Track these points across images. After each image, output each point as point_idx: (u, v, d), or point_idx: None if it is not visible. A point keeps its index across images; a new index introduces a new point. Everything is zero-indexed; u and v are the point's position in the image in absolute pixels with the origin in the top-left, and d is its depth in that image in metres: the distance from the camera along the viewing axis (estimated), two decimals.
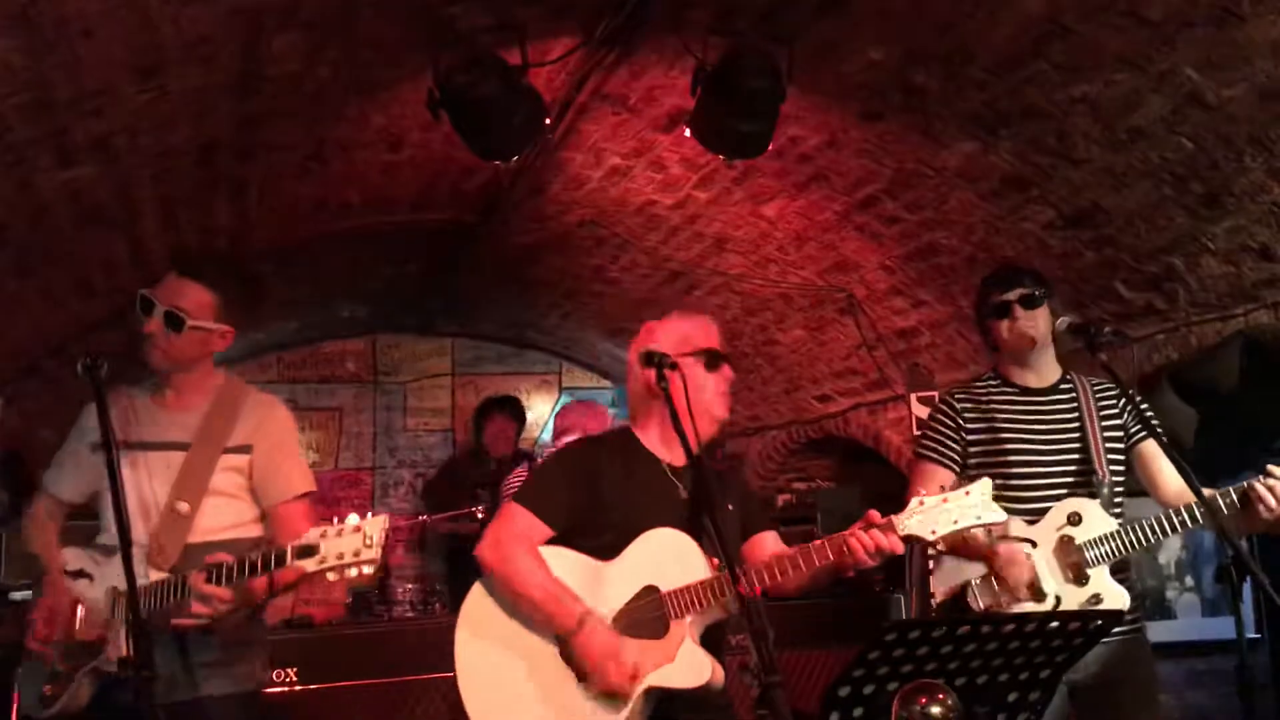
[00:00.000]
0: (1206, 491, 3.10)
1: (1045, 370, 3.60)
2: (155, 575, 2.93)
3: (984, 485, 2.72)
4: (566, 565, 2.91)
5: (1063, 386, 3.59)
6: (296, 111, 4.30)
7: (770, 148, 4.30)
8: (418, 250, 6.86)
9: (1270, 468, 3.21)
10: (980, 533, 3.40)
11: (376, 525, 2.63)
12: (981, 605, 3.40)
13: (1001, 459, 3.52)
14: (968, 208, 4.74)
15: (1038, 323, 3.50)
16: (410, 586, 5.90)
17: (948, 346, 5.75)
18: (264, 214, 5.42)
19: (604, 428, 5.14)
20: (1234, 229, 4.01)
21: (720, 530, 2.61)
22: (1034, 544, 3.40)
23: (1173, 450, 3.14)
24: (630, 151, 5.28)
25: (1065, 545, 3.38)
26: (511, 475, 5.49)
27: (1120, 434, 3.53)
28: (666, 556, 2.88)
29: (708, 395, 3.05)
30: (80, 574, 3.03)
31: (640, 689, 2.76)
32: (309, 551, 2.65)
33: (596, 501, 2.96)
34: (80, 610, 2.99)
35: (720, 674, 2.83)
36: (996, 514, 2.71)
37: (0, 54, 3.00)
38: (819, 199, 5.26)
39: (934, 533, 2.69)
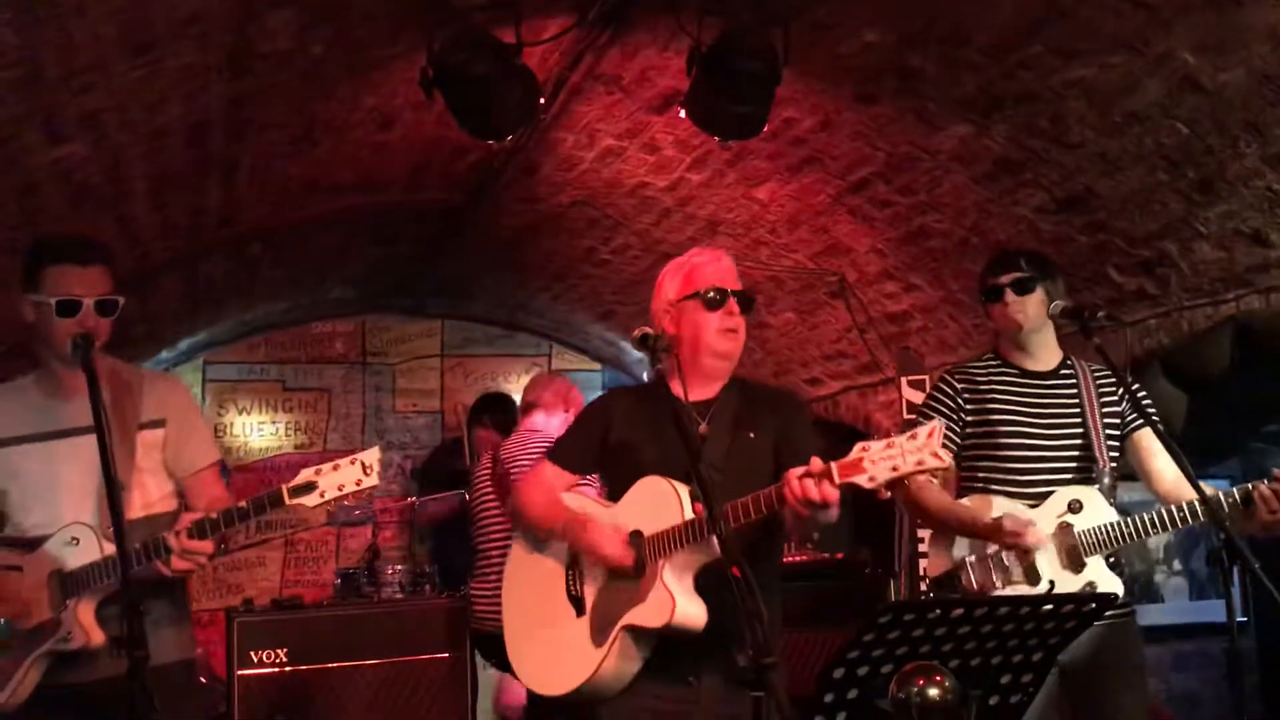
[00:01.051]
0: (1208, 489, 3.10)
1: (1045, 354, 3.58)
2: (109, 549, 2.93)
3: (930, 428, 2.50)
4: (577, 507, 3.11)
5: (1064, 371, 3.57)
6: (288, 90, 4.27)
7: (764, 130, 4.29)
8: (408, 231, 6.84)
9: (1276, 471, 3.17)
10: (985, 509, 3.41)
11: (372, 454, 2.75)
12: (975, 585, 3.41)
13: (998, 440, 3.51)
14: (960, 191, 4.74)
15: (1026, 308, 3.47)
16: (399, 568, 5.87)
17: (939, 330, 5.75)
18: (254, 193, 5.39)
19: (571, 408, 5.14)
20: (1227, 214, 4.02)
21: (701, 476, 2.57)
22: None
23: (1173, 444, 3.15)
24: (623, 132, 5.26)
25: (1064, 532, 3.39)
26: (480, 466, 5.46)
27: (1117, 421, 3.54)
28: (654, 501, 2.90)
29: (708, 335, 3.04)
30: (7, 569, 3.01)
31: (618, 628, 2.86)
32: (307, 489, 2.74)
33: (609, 445, 3.12)
34: (12, 600, 2.98)
35: (688, 613, 2.80)
36: (939, 460, 2.48)
37: None
38: (812, 182, 5.25)
39: (873, 480, 2.50)
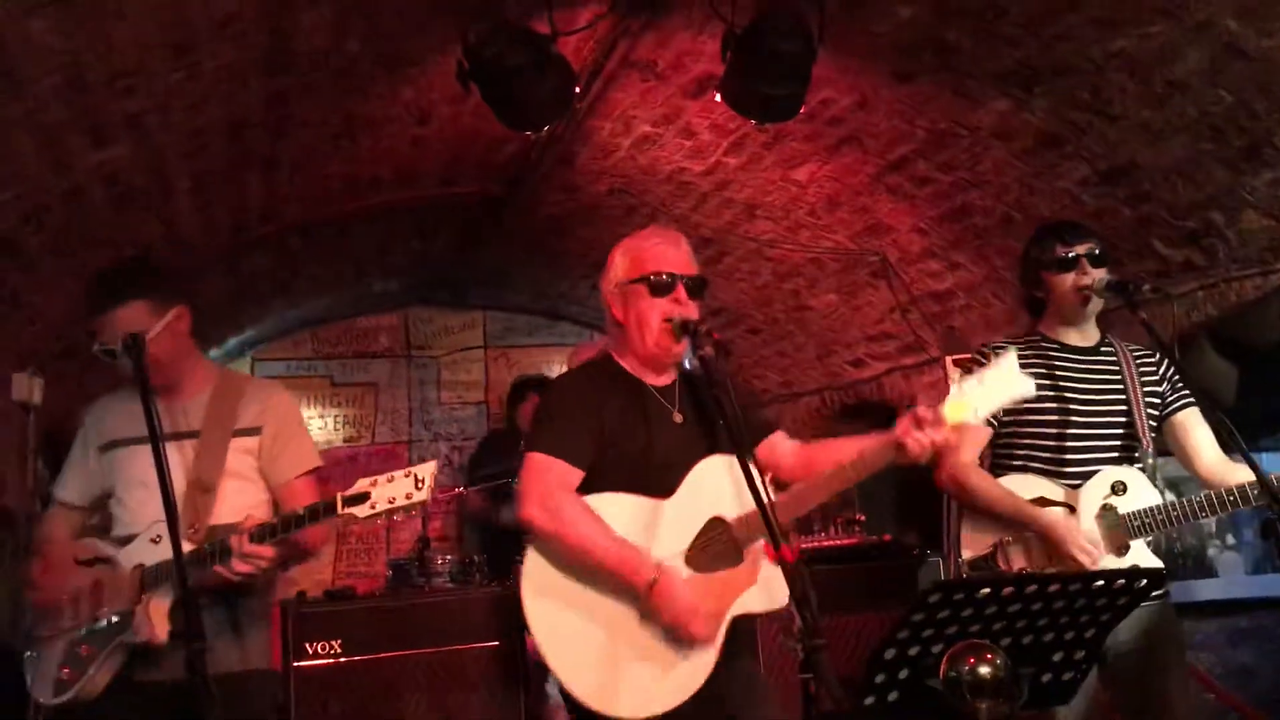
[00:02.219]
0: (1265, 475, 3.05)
1: (1089, 330, 3.55)
2: (188, 548, 2.99)
3: (1009, 358, 2.75)
4: (621, 511, 2.87)
5: (1104, 349, 3.53)
6: (325, 88, 4.30)
7: (801, 111, 4.26)
8: (448, 223, 6.87)
9: None
10: (1024, 490, 3.39)
11: (427, 469, 2.79)
12: (1013, 567, 3.38)
13: (1033, 417, 3.46)
14: (1002, 167, 4.69)
15: (1098, 280, 3.43)
16: (449, 558, 5.92)
17: (983, 309, 5.71)
18: (295, 190, 5.44)
19: None
20: (1275, 181, 3.95)
21: (757, 482, 2.51)
22: (1072, 508, 3.37)
23: (1224, 420, 3.10)
24: (659, 119, 5.26)
25: (1108, 514, 3.35)
26: None
27: (1157, 401, 3.49)
28: (724, 485, 2.86)
29: (648, 323, 2.97)
30: (100, 561, 3.13)
31: (728, 620, 2.81)
32: (360, 499, 2.80)
33: (604, 435, 2.93)
34: (104, 590, 3.08)
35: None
36: (1026, 385, 2.73)
37: (34, 35, 3.01)
38: (851, 162, 5.22)
39: (978, 413, 2.72)
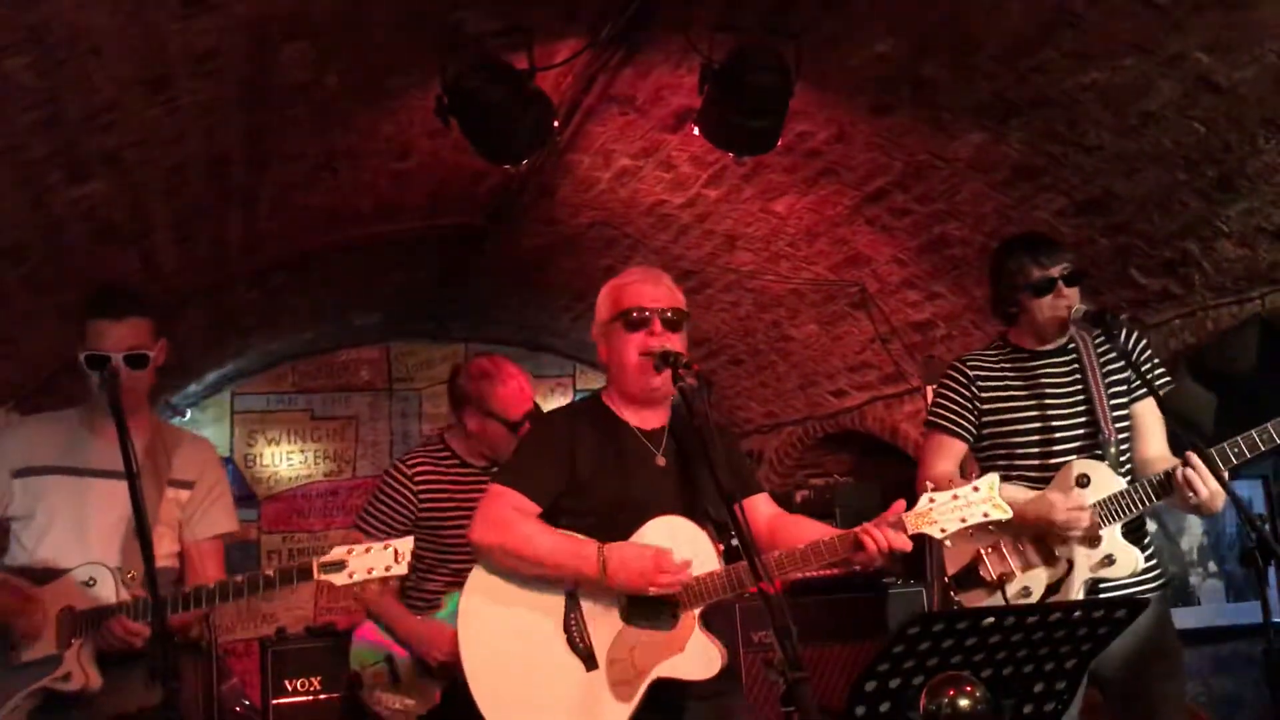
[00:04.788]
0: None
1: (1058, 334, 3.51)
2: (125, 595, 3.00)
3: (990, 480, 2.73)
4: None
5: (1069, 346, 3.51)
6: (305, 122, 4.31)
7: (779, 144, 4.29)
8: (429, 257, 6.87)
9: (1189, 455, 3.13)
10: (1021, 497, 3.38)
11: (406, 544, 2.81)
12: (994, 574, 3.36)
13: (1014, 426, 3.47)
14: (979, 198, 4.72)
15: (1075, 300, 3.41)
16: None
17: (963, 338, 5.73)
18: (275, 225, 5.44)
19: None
20: (1248, 211, 3.99)
21: (740, 521, 2.50)
22: None
23: (1202, 447, 3.11)
24: (639, 152, 5.28)
25: None
26: None
27: (1124, 387, 3.48)
28: (678, 545, 2.79)
29: (626, 360, 2.93)
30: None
31: (648, 682, 2.75)
32: (337, 566, 2.80)
33: (574, 476, 2.90)
34: (16, 628, 2.99)
35: (725, 656, 2.81)
36: (1002, 511, 2.71)
37: (11, 72, 3.01)
38: (829, 194, 5.25)
39: (944, 531, 2.70)
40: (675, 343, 2.93)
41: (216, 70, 3.58)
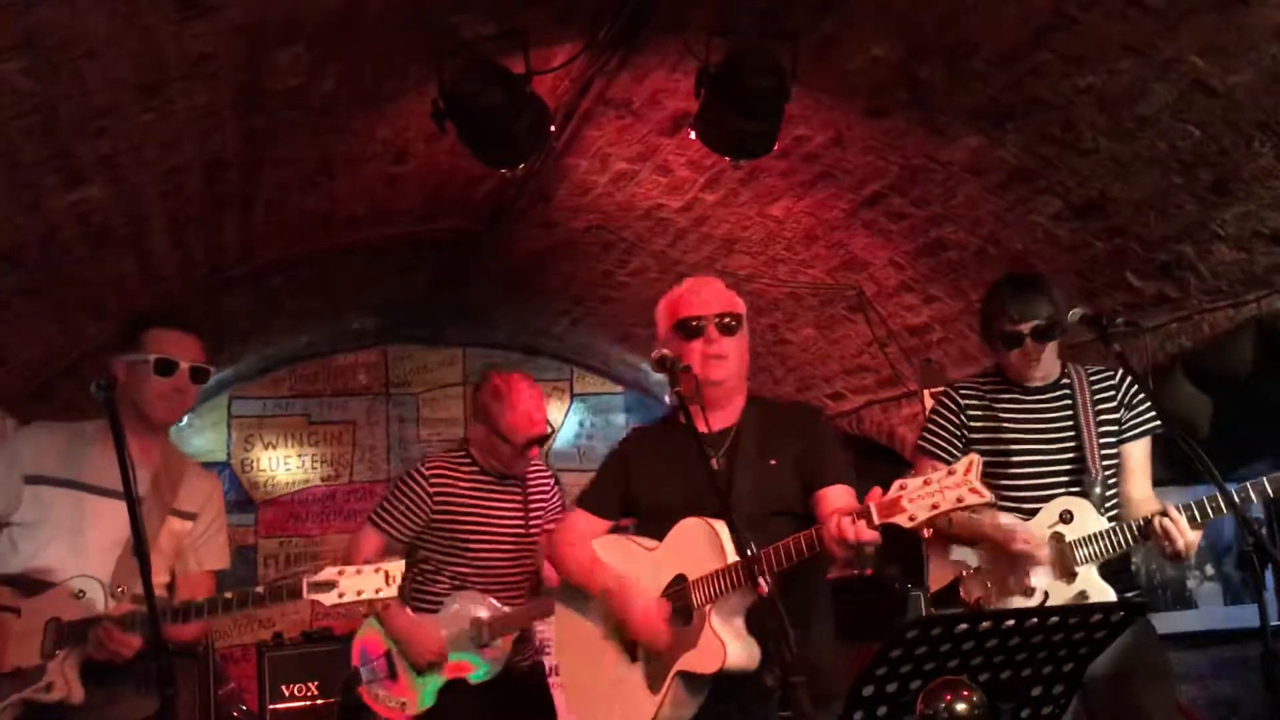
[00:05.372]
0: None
1: (1048, 370, 3.55)
2: (114, 608, 2.99)
3: (968, 462, 2.52)
4: (614, 556, 3.11)
5: (1063, 382, 3.55)
6: (301, 126, 4.30)
7: (776, 147, 4.29)
8: (426, 260, 6.87)
9: (1169, 508, 3.23)
10: (981, 515, 3.40)
11: (397, 567, 2.84)
12: (971, 599, 3.42)
13: (1002, 458, 3.49)
14: (975, 201, 4.72)
15: (1044, 355, 3.45)
16: None
17: (960, 341, 5.73)
18: (272, 229, 5.43)
19: None
20: (1244, 215, 3.99)
21: (734, 521, 2.57)
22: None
23: (1198, 451, 3.11)
24: (635, 155, 5.28)
25: (1056, 542, 3.39)
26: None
27: (1115, 427, 3.51)
28: (697, 544, 2.87)
29: (695, 365, 2.99)
30: (4, 609, 3.03)
31: (672, 674, 2.84)
32: (327, 586, 2.83)
33: (629, 488, 3.16)
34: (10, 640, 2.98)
35: (740, 657, 2.80)
36: (979, 495, 2.50)
37: (6, 76, 3.01)
38: (826, 197, 5.25)
39: (913, 519, 2.53)
40: (733, 345, 3.06)
41: (212, 74, 3.57)
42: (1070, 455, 3.47)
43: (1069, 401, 3.52)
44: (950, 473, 2.52)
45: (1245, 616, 5.60)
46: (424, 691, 3.99)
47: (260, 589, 2.91)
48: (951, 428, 3.58)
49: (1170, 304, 4.53)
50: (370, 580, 2.82)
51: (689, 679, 2.84)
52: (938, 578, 3.54)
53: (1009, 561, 3.40)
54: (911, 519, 2.54)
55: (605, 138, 5.10)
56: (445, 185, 5.56)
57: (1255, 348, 4.25)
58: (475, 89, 3.87)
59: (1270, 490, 3.19)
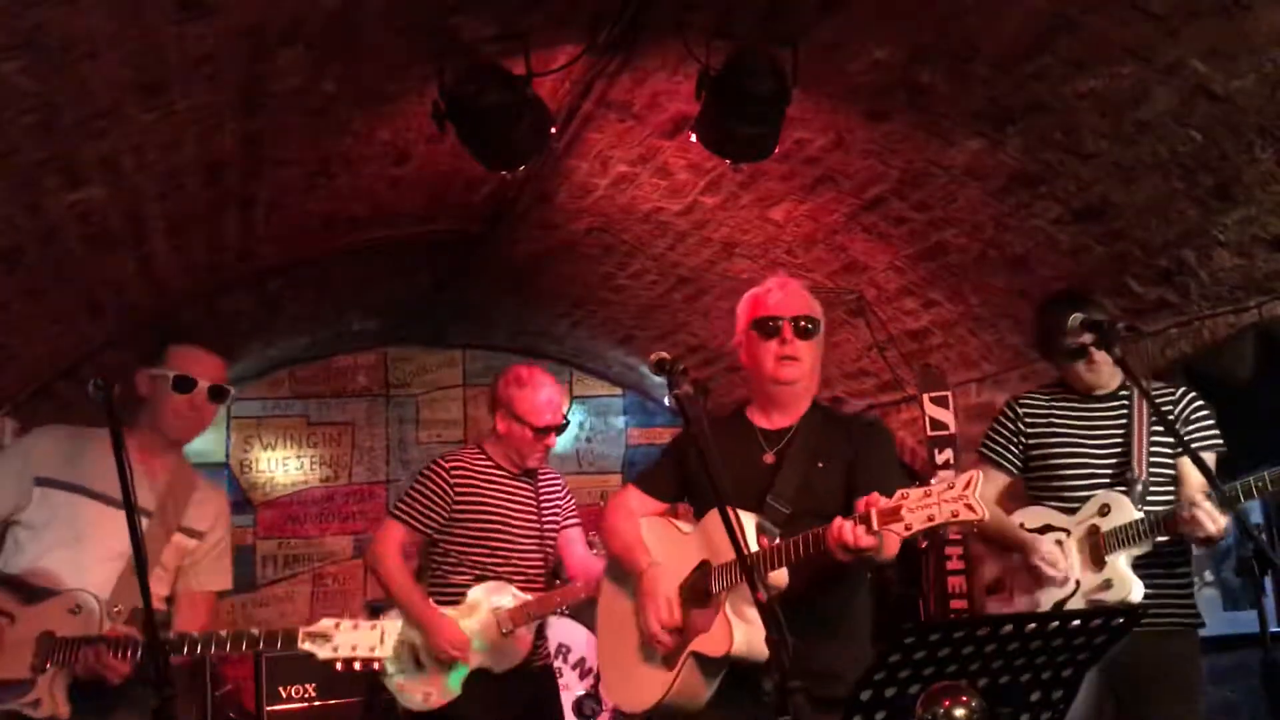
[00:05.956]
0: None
1: (1109, 378, 3.75)
2: (108, 629, 2.98)
3: (967, 478, 2.57)
4: (654, 534, 3.25)
5: (1121, 394, 3.74)
6: (301, 127, 4.30)
7: (776, 150, 4.29)
8: (426, 262, 6.87)
9: (1196, 496, 3.40)
10: (1029, 520, 3.74)
11: (394, 627, 2.93)
12: (1015, 589, 3.74)
13: (1054, 461, 3.73)
14: (976, 205, 4.72)
15: (1109, 364, 3.63)
16: None
17: (960, 346, 5.72)
18: (272, 230, 5.43)
19: None
20: (1245, 220, 3.98)
21: (729, 516, 2.57)
22: (1068, 532, 3.66)
23: (1203, 463, 3.26)
24: (636, 158, 5.28)
25: (1091, 533, 3.60)
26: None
27: (1169, 439, 3.63)
28: (723, 533, 2.86)
29: (767, 364, 3.10)
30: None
31: (686, 653, 2.94)
32: (322, 639, 2.90)
33: (682, 475, 3.27)
34: None
35: (745, 644, 2.85)
36: (973, 512, 2.54)
37: (6, 76, 3.00)
38: (826, 201, 5.24)
39: (909, 529, 2.59)
40: (807, 349, 3.11)
41: (213, 75, 3.57)
42: (1117, 457, 3.66)
43: (1125, 409, 3.70)
44: (950, 486, 2.56)
45: (1244, 623, 5.59)
46: (449, 680, 4.07)
47: (256, 632, 2.94)
48: (1009, 434, 3.84)
49: (1171, 309, 4.53)
50: (365, 637, 2.89)
51: (702, 660, 2.93)
52: (990, 570, 3.87)
53: (1031, 569, 3.67)
54: (908, 528, 2.60)
55: (606, 140, 5.10)
56: (446, 187, 5.55)
57: (1256, 353, 4.27)
58: (476, 91, 3.87)
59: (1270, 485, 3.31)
